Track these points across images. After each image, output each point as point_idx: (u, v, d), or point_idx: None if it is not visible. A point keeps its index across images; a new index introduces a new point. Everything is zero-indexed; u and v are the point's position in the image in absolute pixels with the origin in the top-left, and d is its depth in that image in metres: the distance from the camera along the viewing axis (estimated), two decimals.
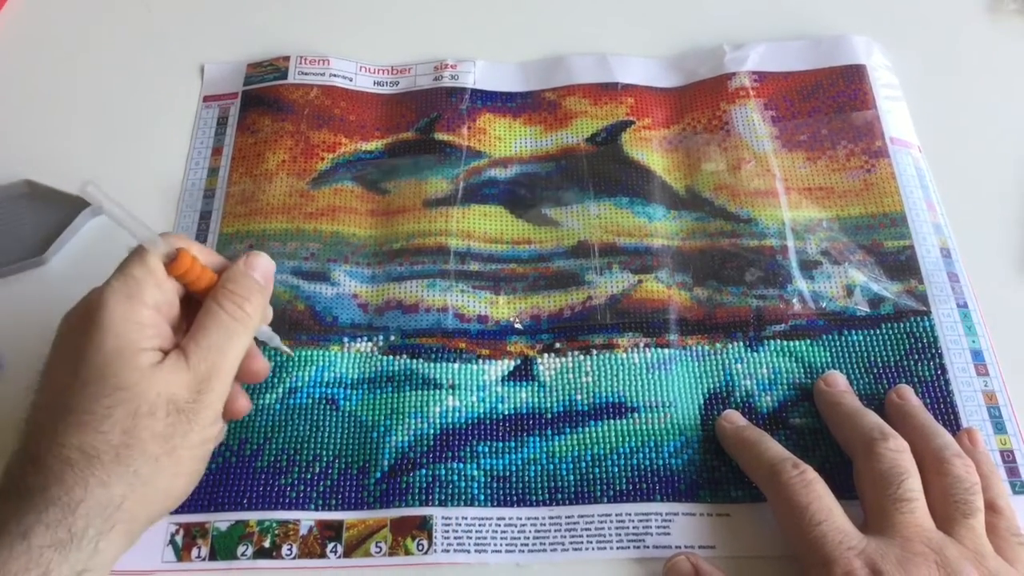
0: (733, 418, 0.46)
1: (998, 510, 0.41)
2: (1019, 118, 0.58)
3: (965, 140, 0.57)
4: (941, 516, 0.39)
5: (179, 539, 0.44)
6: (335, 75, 0.60)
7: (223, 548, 0.44)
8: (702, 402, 0.48)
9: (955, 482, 0.40)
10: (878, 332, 0.49)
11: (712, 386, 0.48)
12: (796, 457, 0.42)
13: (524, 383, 0.49)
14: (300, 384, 0.48)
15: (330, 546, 0.44)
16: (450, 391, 0.48)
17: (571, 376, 0.49)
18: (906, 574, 0.36)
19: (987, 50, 0.61)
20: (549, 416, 0.47)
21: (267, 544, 0.44)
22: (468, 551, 0.44)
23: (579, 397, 0.48)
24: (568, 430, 0.47)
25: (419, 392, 0.48)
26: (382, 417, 0.47)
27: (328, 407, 0.48)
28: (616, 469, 0.45)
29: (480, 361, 0.49)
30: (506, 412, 0.48)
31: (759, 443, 0.44)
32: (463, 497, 0.45)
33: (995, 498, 0.41)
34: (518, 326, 0.51)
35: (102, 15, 0.65)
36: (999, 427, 0.46)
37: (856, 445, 0.43)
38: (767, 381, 0.48)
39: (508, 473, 0.46)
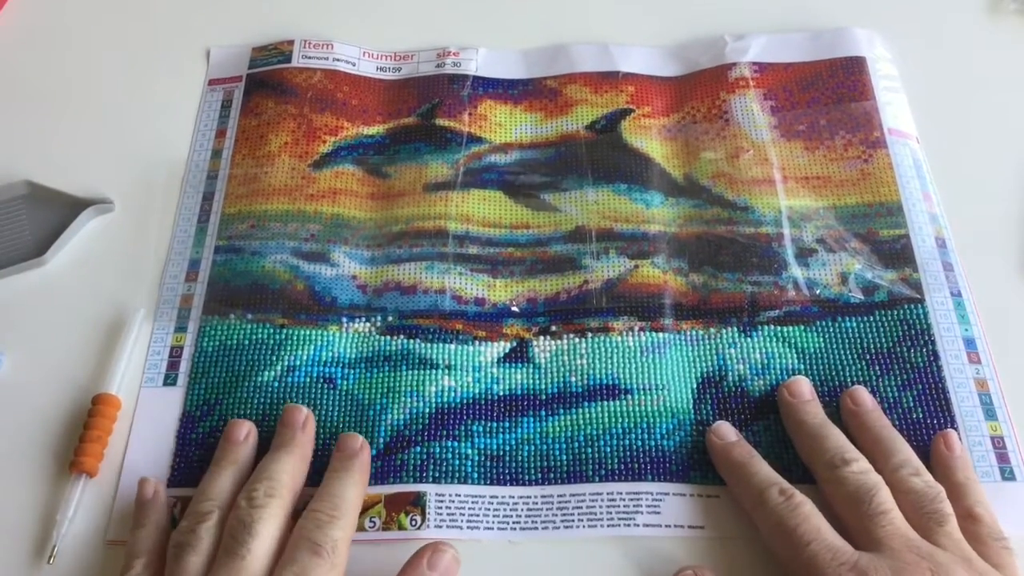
0: (722, 432, 0.45)
1: (977, 517, 0.41)
2: (1017, 115, 0.58)
3: (963, 134, 0.57)
4: (916, 528, 0.39)
5: (178, 512, 0.44)
6: (338, 60, 0.61)
7: None
8: (695, 386, 0.48)
9: (919, 497, 0.40)
10: (872, 319, 0.49)
11: (705, 370, 0.48)
12: (784, 481, 0.42)
13: (519, 365, 0.49)
14: (298, 363, 0.49)
15: None
16: (446, 371, 0.49)
17: (566, 358, 0.49)
18: None
19: (987, 49, 0.61)
20: (543, 397, 0.48)
21: None
22: (461, 527, 0.44)
23: (573, 379, 0.48)
24: (562, 411, 0.47)
25: (415, 372, 0.49)
26: (378, 396, 0.48)
27: (325, 386, 0.48)
28: (608, 449, 0.46)
29: (476, 342, 0.50)
30: (501, 393, 0.48)
31: (746, 466, 0.43)
32: (457, 475, 0.46)
33: (973, 505, 0.41)
34: (515, 309, 0.51)
35: (110, 6, 0.66)
36: (990, 414, 0.46)
37: (819, 469, 0.43)
38: (760, 366, 0.48)
39: (502, 452, 0.46)
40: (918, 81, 0.59)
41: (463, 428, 0.47)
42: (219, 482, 0.43)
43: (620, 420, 0.47)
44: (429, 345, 0.50)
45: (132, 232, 0.55)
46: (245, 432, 0.45)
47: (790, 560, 0.40)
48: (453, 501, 0.45)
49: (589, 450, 0.46)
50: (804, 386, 0.46)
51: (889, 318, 0.49)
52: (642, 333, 0.49)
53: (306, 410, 0.46)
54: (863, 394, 0.46)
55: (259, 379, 0.48)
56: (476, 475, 0.46)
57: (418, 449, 0.46)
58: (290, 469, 0.43)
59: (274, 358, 0.49)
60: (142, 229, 0.55)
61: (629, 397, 0.47)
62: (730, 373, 0.48)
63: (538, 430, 0.47)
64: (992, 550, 0.39)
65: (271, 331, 0.50)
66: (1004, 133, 0.57)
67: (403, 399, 0.48)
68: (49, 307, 0.52)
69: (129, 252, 0.54)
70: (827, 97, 0.58)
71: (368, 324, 0.51)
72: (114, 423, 0.47)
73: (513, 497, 0.45)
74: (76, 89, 0.62)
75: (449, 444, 0.46)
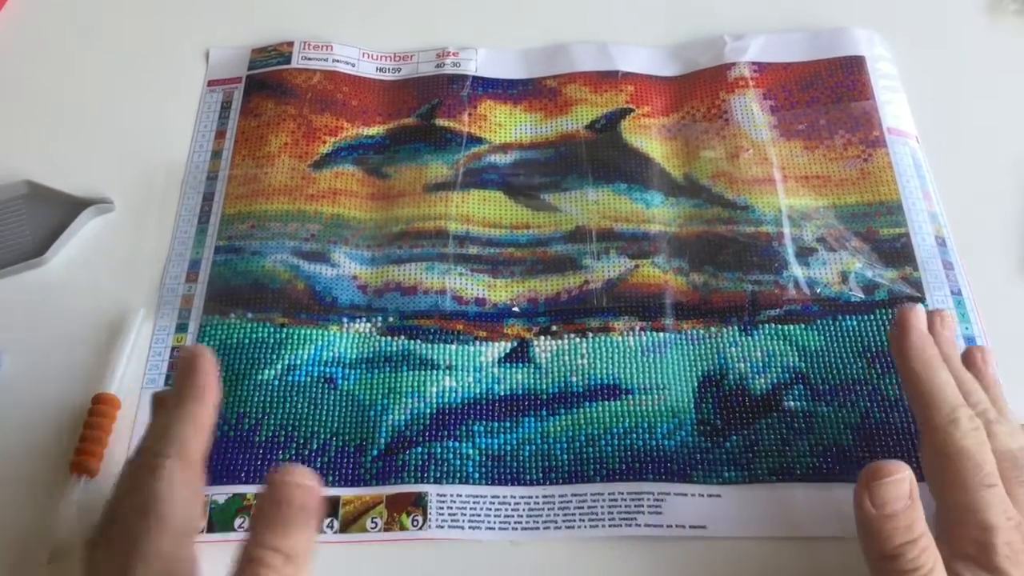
0: (921, 319, 0.42)
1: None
2: (1016, 115, 0.58)
3: (963, 133, 0.57)
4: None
5: None
6: (338, 60, 0.61)
7: (220, 521, 0.44)
8: (696, 385, 0.48)
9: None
10: (872, 318, 0.49)
11: (706, 369, 0.48)
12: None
13: (520, 365, 0.49)
14: (299, 362, 0.49)
15: (326, 521, 0.44)
16: (447, 372, 0.49)
17: (567, 358, 0.49)
18: None
19: (987, 49, 0.61)
20: (544, 397, 0.48)
21: None
22: (462, 527, 0.44)
23: (574, 379, 0.48)
24: (563, 411, 0.47)
25: (416, 372, 0.49)
26: (379, 396, 0.48)
27: (326, 385, 0.48)
28: (609, 449, 0.46)
29: (477, 343, 0.50)
30: (502, 393, 0.48)
31: (941, 375, 0.40)
32: (458, 475, 0.46)
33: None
34: (515, 309, 0.51)
35: (108, 8, 0.66)
36: None
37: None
38: (761, 364, 0.48)
39: (503, 452, 0.46)
40: (918, 80, 0.59)
41: (464, 428, 0.47)
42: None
43: (621, 420, 0.47)
44: (430, 345, 0.50)
45: (132, 232, 0.55)
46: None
47: (961, 491, 0.37)
48: (455, 501, 0.45)
49: (590, 450, 0.46)
50: (952, 324, 0.44)
51: (890, 317, 0.49)
52: (643, 333, 0.50)
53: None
54: (990, 356, 0.44)
55: (259, 378, 0.48)
56: (477, 475, 0.46)
57: (419, 449, 0.46)
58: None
59: (274, 357, 0.49)
60: (142, 230, 0.55)
61: (630, 397, 0.47)
62: (731, 372, 0.48)
63: (539, 430, 0.47)
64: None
65: (271, 330, 0.50)
66: (1004, 132, 0.57)
67: (404, 399, 0.48)
68: (49, 307, 0.52)
69: (129, 252, 0.54)
70: (826, 96, 0.58)
71: (369, 324, 0.51)
72: (114, 423, 0.47)
73: (515, 497, 0.45)
74: (76, 89, 0.61)
75: (450, 444, 0.46)
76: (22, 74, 0.62)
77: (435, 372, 0.49)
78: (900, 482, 0.36)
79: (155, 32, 0.64)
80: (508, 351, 0.50)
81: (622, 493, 0.45)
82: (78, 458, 0.45)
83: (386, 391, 0.48)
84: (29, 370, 0.50)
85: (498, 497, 0.45)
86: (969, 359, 0.44)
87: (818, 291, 0.50)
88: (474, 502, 0.45)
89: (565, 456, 0.46)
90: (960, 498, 0.37)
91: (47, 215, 0.54)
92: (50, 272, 0.54)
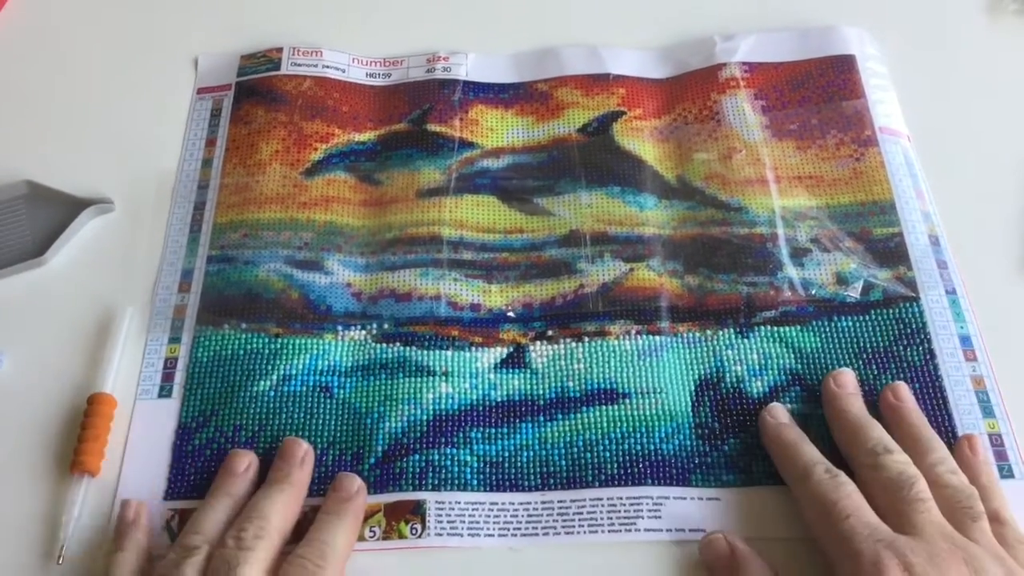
0: (776, 413, 0.46)
1: (1003, 520, 0.41)
2: (1015, 114, 0.58)
3: (961, 132, 0.57)
4: (950, 523, 0.39)
5: (175, 524, 0.44)
6: (328, 66, 0.61)
7: None
8: (693, 388, 0.48)
9: (955, 492, 0.40)
10: (867, 318, 0.49)
11: (703, 372, 0.48)
12: (830, 464, 0.42)
13: (517, 370, 0.49)
14: (294, 372, 0.49)
15: None
16: (443, 378, 0.49)
17: (563, 363, 0.49)
18: (937, 570, 0.36)
19: (985, 49, 0.61)
20: (541, 402, 0.48)
21: None
22: (461, 535, 0.44)
23: (571, 384, 0.48)
24: (560, 416, 0.47)
25: (412, 379, 0.49)
26: (376, 404, 0.48)
27: (322, 394, 0.48)
28: (607, 454, 0.46)
29: (473, 348, 0.50)
30: (499, 399, 0.48)
31: (796, 444, 0.44)
32: (456, 482, 0.45)
33: (998, 509, 0.41)
34: (511, 314, 0.51)
35: (100, 12, 0.65)
36: (987, 411, 0.46)
37: (859, 456, 0.43)
38: (757, 367, 0.48)
39: (501, 459, 0.46)
40: (914, 79, 0.59)
41: (461, 435, 0.47)
42: (212, 515, 0.42)
43: (618, 424, 0.47)
44: (425, 352, 0.49)
45: (132, 233, 0.55)
46: (245, 464, 0.45)
47: (825, 534, 0.40)
48: (453, 508, 0.45)
49: (588, 455, 0.46)
50: (850, 378, 0.47)
51: (885, 317, 0.49)
52: (639, 336, 0.49)
53: (306, 445, 0.45)
54: (905, 390, 0.46)
55: (255, 389, 0.48)
56: (476, 482, 0.45)
57: (417, 457, 0.46)
58: (282, 509, 0.42)
59: (269, 368, 0.49)
60: (141, 231, 0.55)
61: (627, 401, 0.47)
62: (727, 374, 0.48)
63: (537, 435, 0.47)
64: (1018, 551, 0.39)
65: (266, 341, 0.50)
66: (1002, 131, 0.57)
67: (401, 407, 0.48)
68: (49, 307, 0.52)
69: (129, 253, 0.54)
70: (818, 96, 0.58)
71: (364, 332, 0.50)
72: (111, 421, 0.47)
73: (513, 503, 0.45)
74: (75, 91, 0.61)
75: (448, 451, 0.46)
76: (22, 75, 0.62)
77: (431, 379, 0.49)
78: (704, 545, 0.42)
79: (143, 40, 0.64)
80: (504, 356, 0.49)
81: (621, 498, 0.45)
82: (78, 458, 0.45)
83: (382, 398, 0.48)
84: (29, 370, 0.50)
85: (497, 504, 0.45)
86: (883, 403, 0.46)
87: (813, 292, 0.50)
88: (473, 509, 0.45)
89: (563, 461, 0.46)
90: (829, 541, 0.40)
91: (47, 215, 0.54)
92: (50, 272, 0.53)
